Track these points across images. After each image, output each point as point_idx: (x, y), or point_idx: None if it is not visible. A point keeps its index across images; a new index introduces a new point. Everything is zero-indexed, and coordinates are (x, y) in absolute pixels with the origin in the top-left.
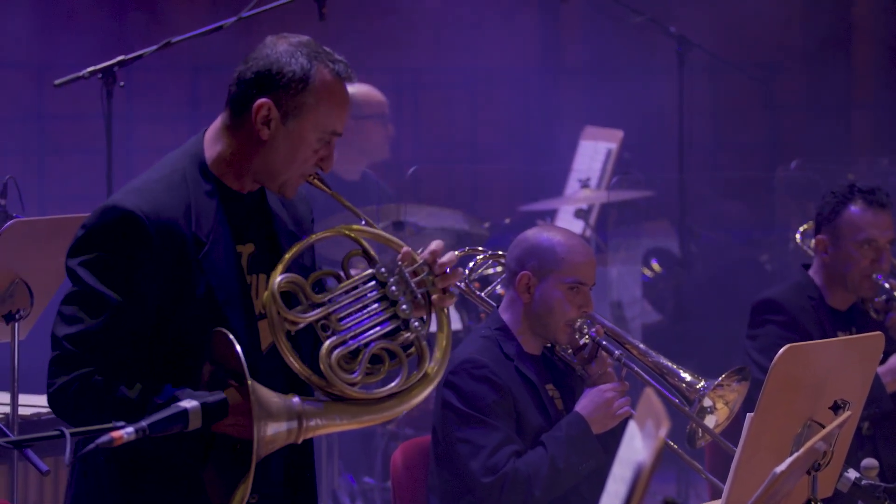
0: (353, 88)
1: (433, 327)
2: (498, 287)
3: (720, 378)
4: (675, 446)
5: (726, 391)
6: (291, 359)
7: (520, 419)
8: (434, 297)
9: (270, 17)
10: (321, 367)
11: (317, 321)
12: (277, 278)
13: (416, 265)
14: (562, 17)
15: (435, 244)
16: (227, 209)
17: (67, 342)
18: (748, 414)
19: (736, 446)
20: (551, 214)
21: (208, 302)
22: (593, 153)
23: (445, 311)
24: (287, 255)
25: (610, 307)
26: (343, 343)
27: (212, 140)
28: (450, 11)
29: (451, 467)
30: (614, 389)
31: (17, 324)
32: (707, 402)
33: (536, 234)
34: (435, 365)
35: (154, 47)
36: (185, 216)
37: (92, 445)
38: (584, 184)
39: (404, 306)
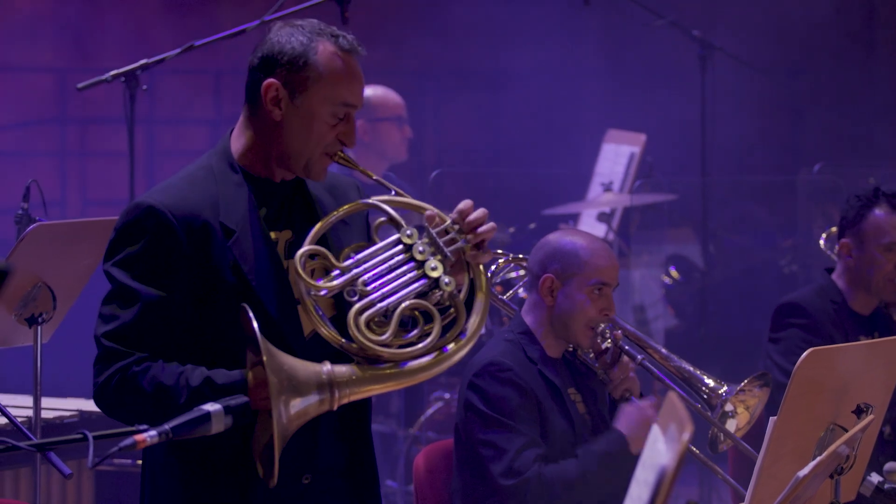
0: (369, 91)
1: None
2: (520, 291)
3: (742, 383)
4: (697, 451)
5: (748, 396)
6: (321, 327)
7: (544, 423)
8: (467, 254)
9: (294, 19)
10: (350, 330)
11: (343, 287)
12: (302, 249)
13: (444, 225)
14: (584, 20)
15: (463, 203)
16: (259, 198)
17: (105, 339)
18: (771, 418)
19: (758, 451)
20: (574, 218)
21: (242, 288)
22: (616, 157)
23: (482, 269)
24: (313, 230)
25: (632, 311)
26: (371, 305)
27: (237, 135)
28: (473, 17)
29: (473, 470)
30: (654, 406)
31: (39, 327)
32: (728, 407)
33: (559, 237)
34: (473, 322)
35: (177, 51)
36: (212, 207)
37: (115, 448)
38: (607, 187)
39: (433, 265)
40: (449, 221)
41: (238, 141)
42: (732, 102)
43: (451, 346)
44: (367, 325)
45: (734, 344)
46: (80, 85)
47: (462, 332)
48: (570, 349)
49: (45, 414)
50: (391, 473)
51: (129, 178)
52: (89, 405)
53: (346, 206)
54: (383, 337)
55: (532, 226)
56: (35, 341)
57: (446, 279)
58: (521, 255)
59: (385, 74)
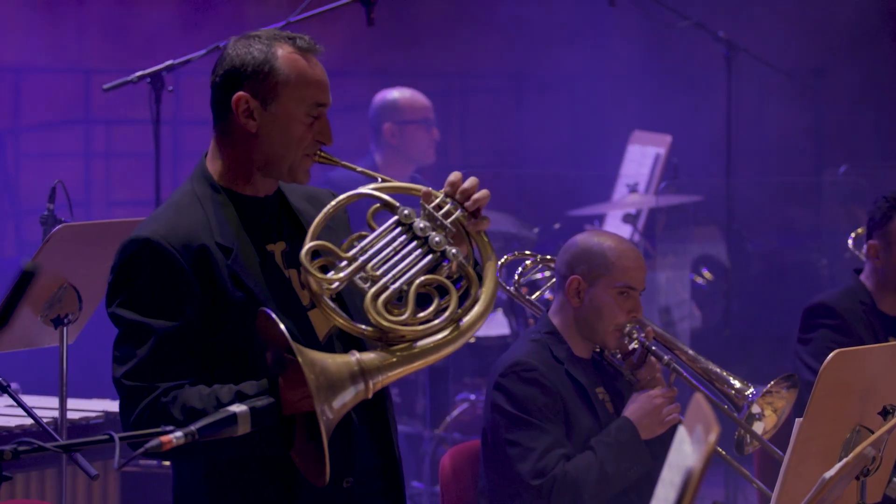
0: (397, 93)
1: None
2: (547, 292)
3: (769, 385)
4: (724, 452)
5: (775, 398)
6: (340, 319)
7: (570, 422)
8: (466, 224)
9: (319, 21)
10: (370, 316)
11: (352, 276)
12: (305, 247)
13: (438, 199)
14: (609, 21)
15: (453, 175)
16: (247, 214)
17: (126, 379)
18: (797, 419)
19: (784, 453)
20: (600, 219)
21: (251, 303)
22: (641, 158)
23: (484, 236)
24: (312, 227)
25: (658, 312)
26: (385, 288)
27: (212, 157)
28: (497, 17)
29: (499, 470)
30: (663, 395)
31: (65, 328)
32: (756, 409)
33: (587, 238)
34: (487, 287)
35: (202, 52)
36: (205, 229)
37: (140, 450)
38: (633, 189)
39: (437, 238)
40: (442, 195)
41: (215, 162)
42: (757, 103)
43: (469, 316)
44: (385, 307)
45: (760, 345)
46: (105, 86)
47: (477, 300)
48: (598, 350)
49: (70, 415)
50: (417, 474)
51: (154, 179)
52: (115, 406)
53: (338, 198)
54: (403, 317)
55: (557, 226)
56: (61, 342)
57: (453, 249)
58: (548, 256)
59: (410, 75)
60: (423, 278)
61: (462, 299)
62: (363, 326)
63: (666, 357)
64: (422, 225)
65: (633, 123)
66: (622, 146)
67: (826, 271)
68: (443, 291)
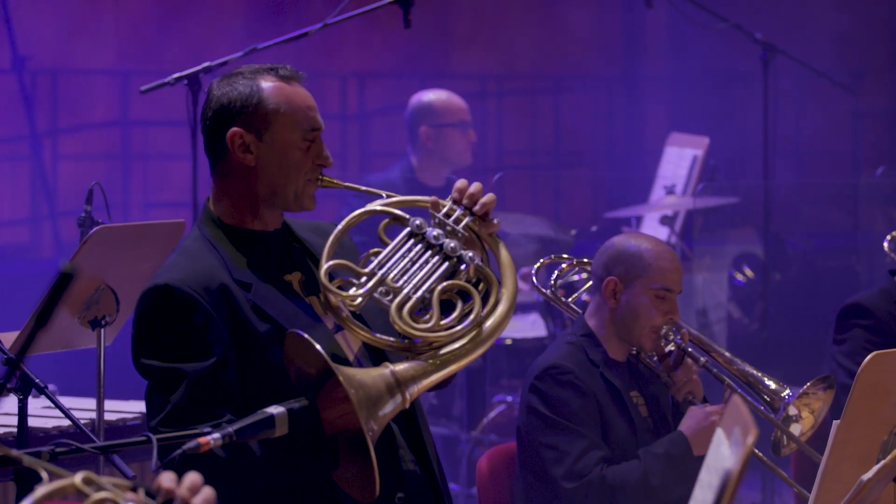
0: (433, 96)
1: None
2: (583, 294)
3: (805, 386)
4: (761, 454)
5: (811, 399)
6: (367, 335)
7: (605, 426)
8: (477, 228)
9: (356, 23)
10: (397, 327)
11: (374, 290)
12: (323, 267)
13: (446, 207)
14: (647, 23)
15: (459, 182)
16: (259, 249)
17: (163, 427)
18: (834, 421)
19: (821, 454)
20: (637, 221)
21: (277, 331)
22: (679, 160)
23: (497, 238)
24: (326, 248)
25: (695, 314)
26: (408, 299)
27: (216, 200)
28: (533, 18)
29: (535, 472)
30: (720, 412)
31: (102, 330)
32: (792, 411)
33: (623, 240)
34: (506, 289)
35: (240, 53)
36: (220, 269)
37: (178, 451)
38: (670, 190)
39: (451, 244)
40: (450, 202)
41: (220, 204)
42: (795, 105)
43: (493, 317)
44: (411, 316)
45: (797, 347)
46: (143, 88)
47: (499, 300)
48: (634, 352)
49: (108, 416)
50: (454, 476)
51: (191, 181)
52: None
53: (348, 217)
54: (430, 324)
55: (594, 228)
56: (98, 344)
57: (469, 253)
58: (584, 259)
59: (446, 77)
60: (443, 284)
61: (483, 301)
62: (390, 339)
63: (702, 359)
64: (435, 233)
65: (670, 125)
66: (659, 148)
67: (863, 273)
68: (464, 296)
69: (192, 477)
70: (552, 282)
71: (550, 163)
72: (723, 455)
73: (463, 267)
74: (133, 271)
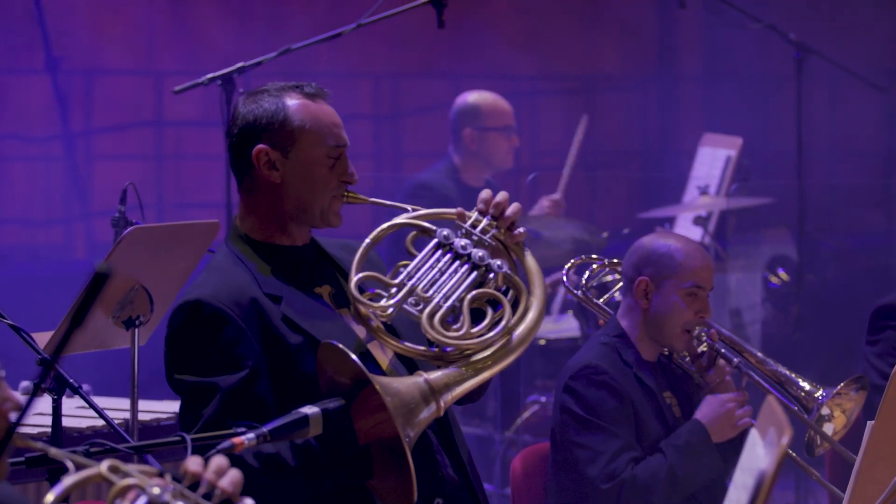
0: (478, 97)
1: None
2: (616, 294)
3: (839, 387)
4: (795, 454)
5: (844, 399)
6: (398, 345)
7: (639, 426)
8: (503, 238)
9: (389, 23)
10: (429, 336)
11: (405, 301)
12: (353, 279)
13: (473, 218)
14: (680, 23)
15: (484, 192)
16: (289, 264)
17: (195, 441)
18: (868, 422)
19: (855, 454)
20: (670, 222)
21: (309, 345)
22: (712, 160)
23: (523, 247)
24: (356, 261)
25: (729, 315)
26: (439, 308)
27: (243, 216)
28: (568, 18)
29: (569, 473)
30: (735, 399)
31: (136, 330)
32: (825, 411)
33: (653, 240)
34: (535, 297)
35: (273, 54)
36: (251, 284)
37: (213, 451)
38: (703, 191)
39: (479, 253)
40: (476, 213)
41: (247, 221)
42: (828, 105)
43: (524, 324)
44: (442, 325)
45: (831, 347)
46: (176, 88)
47: (529, 308)
48: (666, 352)
49: (142, 416)
50: (488, 476)
51: (225, 182)
52: None
53: (376, 230)
54: (461, 332)
55: (626, 231)
56: (132, 344)
57: (497, 262)
58: (615, 260)
59: (482, 77)
60: (473, 293)
61: (513, 309)
62: (421, 348)
63: (735, 360)
64: (462, 243)
65: (703, 125)
66: (693, 148)
67: None
68: (493, 304)
69: (219, 460)
70: (583, 282)
71: (584, 163)
72: (757, 455)
73: (491, 276)
74: (167, 272)
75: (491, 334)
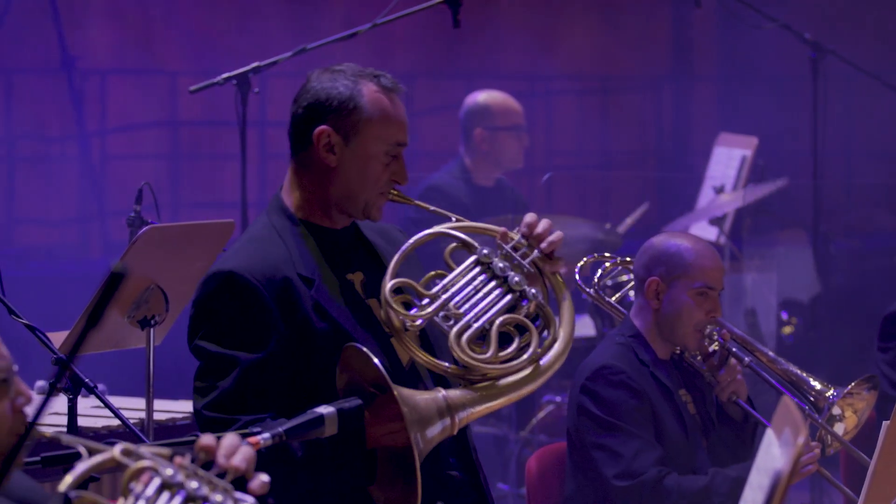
0: (489, 97)
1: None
2: (630, 293)
3: (850, 386)
4: None
5: (855, 399)
6: (423, 357)
7: (658, 425)
8: (542, 265)
9: (405, 23)
10: (455, 354)
11: (435, 314)
12: (387, 285)
13: (515, 241)
14: (695, 22)
15: (529, 216)
16: (325, 246)
17: (208, 411)
18: (884, 423)
19: (868, 455)
20: (685, 222)
21: (335, 331)
22: (728, 160)
23: (559, 277)
24: (392, 263)
25: (744, 315)
26: (468, 327)
27: (289, 190)
28: (583, 18)
29: (587, 474)
30: (810, 459)
31: (152, 329)
32: (836, 411)
33: (664, 240)
34: (566, 327)
35: (289, 53)
36: (286, 262)
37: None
38: (719, 190)
39: (516, 278)
40: (519, 236)
41: (292, 195)
42: (844, 105)
43: (549, 355)
44: (469, 345)
45: (845, 347)
46: (192, 88)
47: (556, 338)
48: (678, 351)
49: (157, 416)
50: (503, 476)
51: (240, 181)
52: None
53: (416, 237)
54: (487, 356)
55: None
56: (147, 343)
57: (532, 290)
58: (628, 259)
59: (495, 77)
60: (504, 317)
61: (540, 338)
62: (445, 364)
63: (746, 359)
64: (501, 265)
65: (718, 125)
66: (708, 148)
67: None
68: (521, 330)
69: (231, 439)
70: (595, 281)
71: (599, 163)
72: (773, 456)
73: (524, 302)
74: (182, 271)
75: (515, 362)
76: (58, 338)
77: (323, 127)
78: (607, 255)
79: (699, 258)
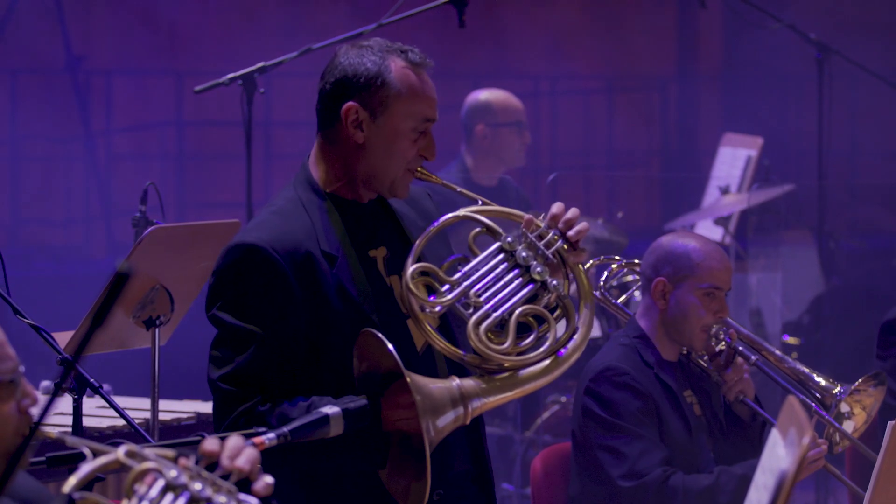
0: (490, 95)
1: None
2: (636, 293)
3: (857, 383)
4: None
5: (863, 396)
6: (441, 344)
7: (662, 426)
8: (566, 255)
9: (411, 22)
10: (472, 343)
11: (455, 301)
12: (409, 269)
13: (540, 229)
14: (701, 23)
15: (556, 206)
16: (350, 220)
17: (223, 383)
18: (889, 422)
19: (875, 451)
20: (690, 221)
21: (355, 312)
22: (733, 160)
23: (581, 267)
24: (415, 247)
25: (749, 315)
26: (487, 316)
27: (315, 163)
28: (588, 18)
29: (592, 475)
30: (816, 457)
31: (157, 329)
32: (844, 408)
33: (671, 240)
34: (584, 319)
35: (294, 53)
36: (310, 237)
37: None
38: (724, 191)
39: (539, 268)
40: (543, 225)
41: (318, 168)
42: (849, 105)
43: (567, 347)
44: (487, 335)
45: (851, 347)
46: (197, 88)
47: (575, 331)
48: (685, 352)
49: (162, 416)
50: (507, 476)
51: (246, 181)
52: (206, 407)
53: (441, 220)
54: (505, 346)
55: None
56: (153, 344)
57: (554, 281)
58: (635, 260)
59: (499, 77)
60: (523, 308)
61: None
62: (462, 352)
63: (753, 357)
64: (524, 254)
65: (723, 125)
66: (713, 148)
67: None
68: (539, 320)
69: (234, 441)
70: (602, 283)
71: (604, 163)
72: (778, 456)
73: (545, 293)
74: (188, 271)
75: (533, 354)
76: (63, 338)
77: (351, 103)
78: (615, 257)
79: (707, 259)
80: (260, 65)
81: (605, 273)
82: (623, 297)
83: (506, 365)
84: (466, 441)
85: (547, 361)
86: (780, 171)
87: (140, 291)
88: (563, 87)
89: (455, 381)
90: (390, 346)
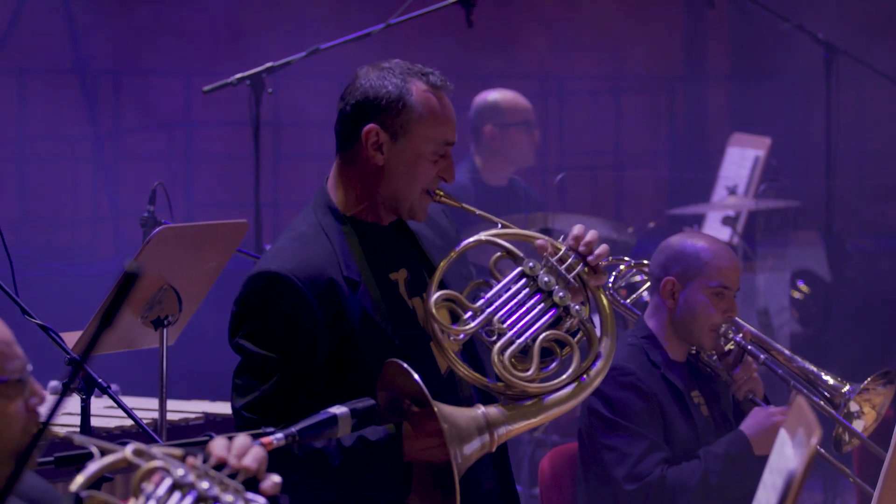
0: (498, 95)
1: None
2: (644, 293)
3: (866, 381)
4: (824, 451)
5: (872, 395)
6: (464, 371)
7: (667, 427)
8: (587, 278)
9: (418, 23)
10: (496, 370)
11: (480, 328)
12: (432, 297)
13: (560, 253)
14: (708, 22)
15: (577, 228)
16: (371, 243)
17: (246, 411)
18: None
19: (885, 450)
20: (699, 222)
21: (378, 337)
22: (741, 160)
23: (602, 290)
24: (436, 273)
25: (757, 315)
26: (511, 343)
27: (334, 186)
28: (596, 18)
29: (597, 474)
30: (783, 413)
31: (165, 330)
32: (854, 407)
33: (680, 240)
34: (606, 344)
35: (302, 54)
36: (332, 263)
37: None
38: (732, 191)
39: (560, 293)
40: (564, 248)
41: (337, 191)
42: (857, 105)
43: (591, 372)
44: (511, 362)
45: (859, 347)
46: (205, 88)
47: (598, 356)
48: (694, 351)
49: (170, 416)
50: (516, 477)
51: (254, 182)
52: (214, 407)
53: (460, 246)
54: (529, 373)
55: (651, 224)
56: (161, 344)
57: (576, 306)
58: (643, 261)
59: (508, 77)
60: (546, 334)
61: (582, 354)
62: (486, 380)
63: (762, 357)
64: (546, 279)
65: (731, 125)
66: (721, 148)
67: None
68: (562, 345)
69: (242, 440)
70: (609, 283)
71: (612, 163)
72: (786, 456)
73: (568, 317)
74: (196, 271)
75: (556, 381)
76: (71, 338)
77: (371, 125)
78: (624, 258)
79: (716, 258)
80: (268, 65)
81: (614, 274)
82: (631, 297)
83: (530, 391)
84: (491, 459)
85: (571, 387)
86: (787, 172)
87: (148, 291)
88: (571, 87)
89: (480, 409)
90: (416, 376)
